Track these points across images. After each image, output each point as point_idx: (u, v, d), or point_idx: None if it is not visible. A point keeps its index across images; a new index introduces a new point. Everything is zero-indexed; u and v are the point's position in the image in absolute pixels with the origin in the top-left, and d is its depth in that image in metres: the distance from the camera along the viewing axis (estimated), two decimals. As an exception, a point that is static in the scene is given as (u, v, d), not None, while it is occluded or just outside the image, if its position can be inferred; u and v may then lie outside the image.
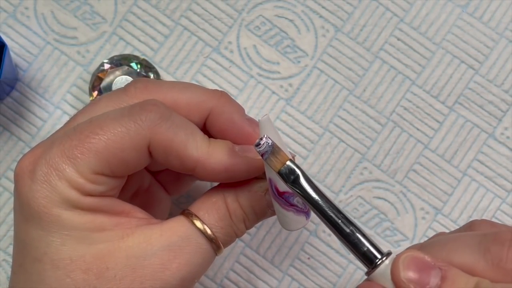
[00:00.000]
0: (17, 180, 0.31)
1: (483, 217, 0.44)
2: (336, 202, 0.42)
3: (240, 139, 0.33)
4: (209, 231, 0.32)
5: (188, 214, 0.32)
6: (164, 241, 0.31)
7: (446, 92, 0.45)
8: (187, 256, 0.31)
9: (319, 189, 0.30)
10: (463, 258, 0.27)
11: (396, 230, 0.44)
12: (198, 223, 0.32)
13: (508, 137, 0.45)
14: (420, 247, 0.29)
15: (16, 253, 0.31)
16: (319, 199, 0.30)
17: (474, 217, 0.44)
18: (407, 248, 0.30)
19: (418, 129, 0.45)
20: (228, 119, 0.33)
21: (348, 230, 0.30)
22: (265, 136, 0.30)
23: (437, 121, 0.45)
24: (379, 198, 0.44)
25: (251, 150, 0.31)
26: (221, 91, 0.34)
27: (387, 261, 0.29)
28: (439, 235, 0.35)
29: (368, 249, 0.29)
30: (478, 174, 0.44)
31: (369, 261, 0.29)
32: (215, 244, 0.32)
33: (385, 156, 0.44)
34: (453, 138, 0.45)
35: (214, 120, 0.33)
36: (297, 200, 0.32)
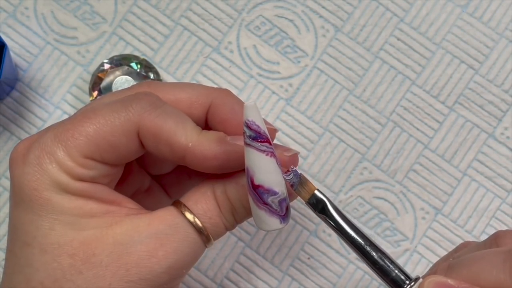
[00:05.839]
0: (11, 165, 0.31)
1: (483, 217, 0.44)
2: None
3: (241, 130, 0.33)
4: (197, 221, 0.31)
5: (177, 204, 0.32)
6: (152, 229, 0.31)
7: (446, 92, 0.45)
8: (174, 244, 0.31)
9: (347, 217, 0.31)
10: (490, 279, 0.28)
11: (396, 230, 0.44)
12: (187, 213, 0.31)
13: (508, 137, 0.45)
14: (448, 267, 0.30)
15: (9, 239, 0.32)
16: (347, 227, 0.31)
17: (474, 217, 0.44)
18: (436, 267, 0.31)
19: (418, 129, 0.45)
20: (229, 109, 0.33)
21: (376, 257, 0.30)
22: (292, 167, 0.31)
23: (437, 121, 0.45)
24: (379, 198, 0.44)
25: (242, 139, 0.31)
26: (224, 88, 0.35)
27: (415, 286, 0.29)
28: (466, 245, 0.35)
29: (396, 274, 0.30)
30: (478, 174, 0.44)
31: (398, 286, 0.30)
32: (204, 234, 0.32)
33: (385, 156, 0.44)
34: (453, 138, 0.45)
35: (216, 111, 0.33)
36: (272, 200, 0.31)
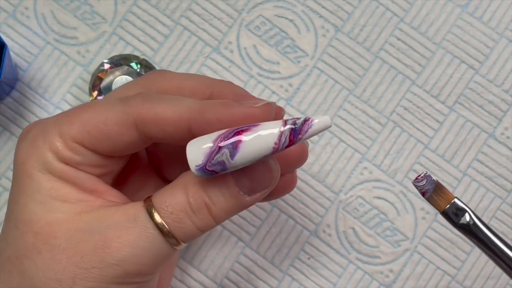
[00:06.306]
0: (17, 143, 0.32)
1: (483, 217, 0.44)
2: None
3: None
4: (155, 215, 0.30)
5: (147, 198, 0.31)
6: (113, 220, 0.30)
7: (446, 92, 0.45)
8: (130, 237, 0.30)
9: (492, 230, 0.27)
10: None
11: (396, 230, 0.44)
12: (150, 207, 0.30)
13: (508, 137, 0.45)
14: None
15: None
16: (499, 243, 0.27)
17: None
18: None
19: (418, 129, 0.45)
20: (233, 92, 0.33)
21: None
22: (426, 172, 0.27)
23: (437, 121, 0.45)
24: (379, 198, 0.44)
25: (248, 102, 0.30)
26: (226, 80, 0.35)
27: None
28: None
29: None
30: (478, 174, 0.44)
31: None
32: (161, 230, 0.30)
33: (385, 156, 0.44)
34: (453, 138, 0.45)
35: (218, 96, 0.33)
36: (222, 153, 0.27)
